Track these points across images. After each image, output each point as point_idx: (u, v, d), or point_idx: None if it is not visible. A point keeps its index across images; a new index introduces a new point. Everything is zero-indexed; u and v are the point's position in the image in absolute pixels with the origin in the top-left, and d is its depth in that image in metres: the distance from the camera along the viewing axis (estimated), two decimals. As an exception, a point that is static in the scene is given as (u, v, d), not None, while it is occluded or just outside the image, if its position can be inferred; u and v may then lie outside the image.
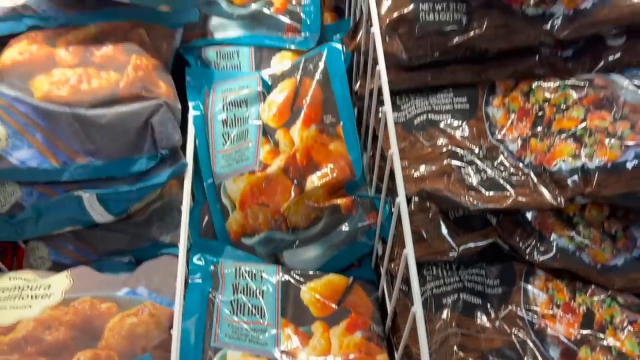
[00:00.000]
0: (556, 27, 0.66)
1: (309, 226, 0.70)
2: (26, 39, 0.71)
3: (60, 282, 0.66)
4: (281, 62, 0.82)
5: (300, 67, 0.76)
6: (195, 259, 0.68)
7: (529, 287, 0.62)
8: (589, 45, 0.70)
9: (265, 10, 0.83)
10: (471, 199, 0.59)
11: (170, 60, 0.79)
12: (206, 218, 0.75)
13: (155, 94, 0.68)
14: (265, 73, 0.80)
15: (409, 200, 0.63)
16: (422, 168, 0.63)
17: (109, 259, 0.73)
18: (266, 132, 0.74)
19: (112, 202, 0.68)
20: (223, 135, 0.75)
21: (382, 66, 0.62)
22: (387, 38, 0.68)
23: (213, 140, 0.75)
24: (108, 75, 0.68)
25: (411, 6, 0.68)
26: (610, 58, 0.69)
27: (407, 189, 0.58)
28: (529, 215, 0.64)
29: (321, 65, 0.75)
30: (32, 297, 0.65)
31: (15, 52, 0.69)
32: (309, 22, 0.83)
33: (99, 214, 0.69)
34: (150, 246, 0.73)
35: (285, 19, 0.83)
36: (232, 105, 0.76)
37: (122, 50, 0.71)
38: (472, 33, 0.67)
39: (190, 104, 0.76)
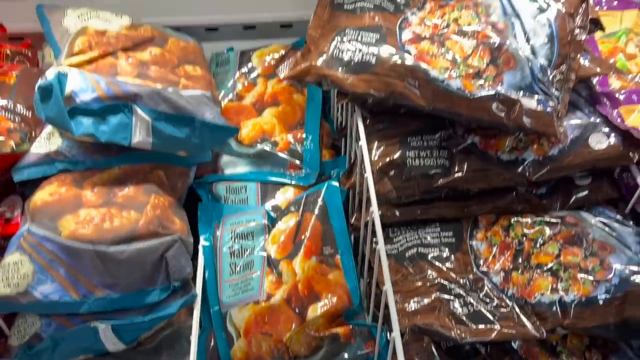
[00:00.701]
0: (528, 171, 0.75)
1: (310, 355, 0.74)
2: (56, 181, 0.79)
3: (72, 413, 0.69)
4: (284, 194, 0.90)
5: (302, 203, 0.83)
6: (201, 388, 0.72)
7: (519, 417, 0.65)
8: (560, 184, 0.78)
9: (270, 149, 0.93)
10: (460, 332, 0.64)
11: (184, 195, 0.87)
12: (212, 344, 0.79)
13: (170, 230, 0.75)
14: (270, 206, 0.88)
15: (403, 332, 0.67)
16: (414, 302, 0.68)
17: (118, 387, 0.76)
18: (270, 263, 0.80)
19: (125, 332, 0.73)
20: (230, 265, 0.81)
21: (375, 208, 0.70)
22: (378, 180, 0.76)
23: (221, 269, 0.81)
24: (129, 215, 0.75)
25: (399, 153, 0.77)
26: (579, 195, 0.77)
27: (401, 324, 0.64)
28: (515, 344, 0.68)
29: (320, 201, 0.83)
30: None
31: (46, 193, 0.77)
32: (309, 160, 0.93)
33: (112, 343, 0.73)
34: (159, 374, 0.76)
35: (288, 157, 0.92)
36: (239, 237, 0.83)
37: (142, 191, 0.79)
38: (454, 176, 0.76)
39: (201, 237, 0.83)
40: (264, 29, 1.05)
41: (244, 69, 1.02)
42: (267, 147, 0.93)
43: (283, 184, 0.91)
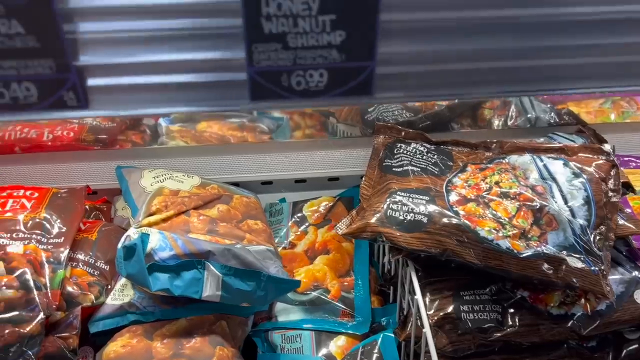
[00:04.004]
0: (578, 325, 0.78)
1: None
2: (128, 333, 0.84)
3: None
4: (337, 343, 0.93)
5: (359, 354, 0.86)
6: None
7: None
8: (609, 338, 0.81)
9: (323, 297, 0.98)
10: None
11: (242, 342, 0.91)
12: None
13: (235, 384, 0.78)
14: (325, 356, 0.90)
15: None
16: None
17: None
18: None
19: None
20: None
21: (436, 365, 0.73)
22: (434, 333, 0.80)
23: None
24: (197, 367, 0.79)
25: (452, 307, 0.81)
26: (630, 349, 0.80)
27: None
28: None
29: (376, 352, 0.85)
30: None
31: (118, 345, 0.81)
32: (360, 307, 0.97)
33: None
34: None
35: (340, 305, 0.97)
36: (298, 390, 0.85)
37: (208, 342, 0.83)
38: (507, 330, 0.79)
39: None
40: (314, 182, 1.15)
41: (296, 219, 1.11)
42: (320, 295, 0.98)
43: (336, 333, 0.94)
